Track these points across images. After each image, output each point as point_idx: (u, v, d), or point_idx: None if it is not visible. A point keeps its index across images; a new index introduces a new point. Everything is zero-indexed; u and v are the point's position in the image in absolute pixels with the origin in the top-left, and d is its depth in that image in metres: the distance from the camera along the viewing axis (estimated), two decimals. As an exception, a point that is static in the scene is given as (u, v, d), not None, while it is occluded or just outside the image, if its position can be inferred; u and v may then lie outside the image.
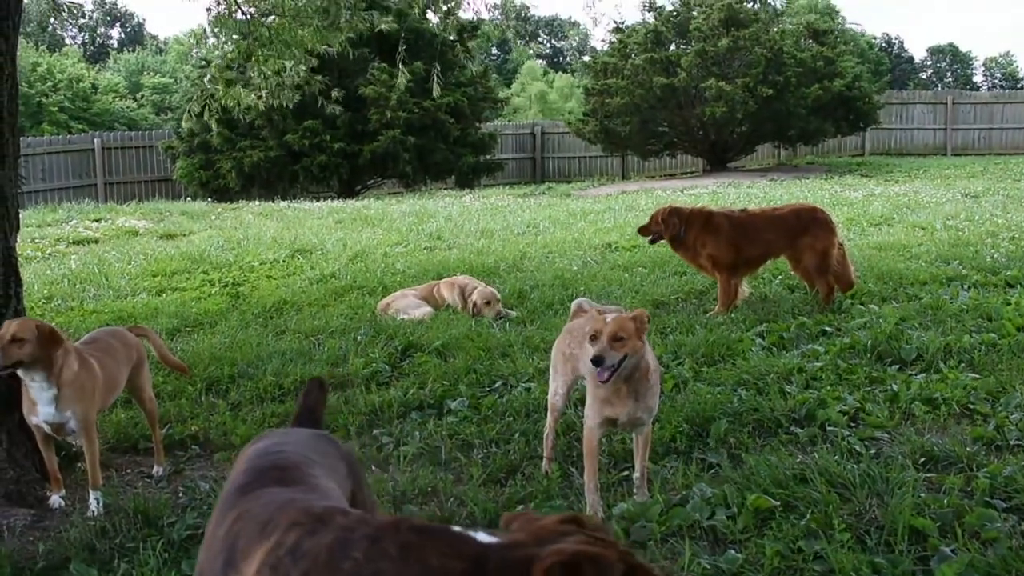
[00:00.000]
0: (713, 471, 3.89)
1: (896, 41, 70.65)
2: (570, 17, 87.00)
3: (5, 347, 3.63)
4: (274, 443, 2.29)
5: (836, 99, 22.36)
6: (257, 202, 17.93)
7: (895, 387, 4.72)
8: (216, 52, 10.79)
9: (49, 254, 11.36)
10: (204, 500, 3.80)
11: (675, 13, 24.38)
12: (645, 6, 24.98)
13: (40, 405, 3.78)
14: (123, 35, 77.12)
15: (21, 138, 5.21)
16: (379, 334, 6.34)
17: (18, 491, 3.93)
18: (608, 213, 13.39)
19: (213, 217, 14.79)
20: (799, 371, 5.06)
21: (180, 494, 3.99)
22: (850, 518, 3.28)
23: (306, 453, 2.23)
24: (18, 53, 4.34)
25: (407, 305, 7.15)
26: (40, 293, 8.53)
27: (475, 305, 7.07)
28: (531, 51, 72.67)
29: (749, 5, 23.73)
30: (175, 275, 9.45)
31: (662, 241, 7.21)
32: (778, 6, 26.58)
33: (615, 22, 25.09)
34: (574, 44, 79.40)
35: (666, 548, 3.24)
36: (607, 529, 1.65)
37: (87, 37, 74.43)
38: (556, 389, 4.09)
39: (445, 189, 22.61)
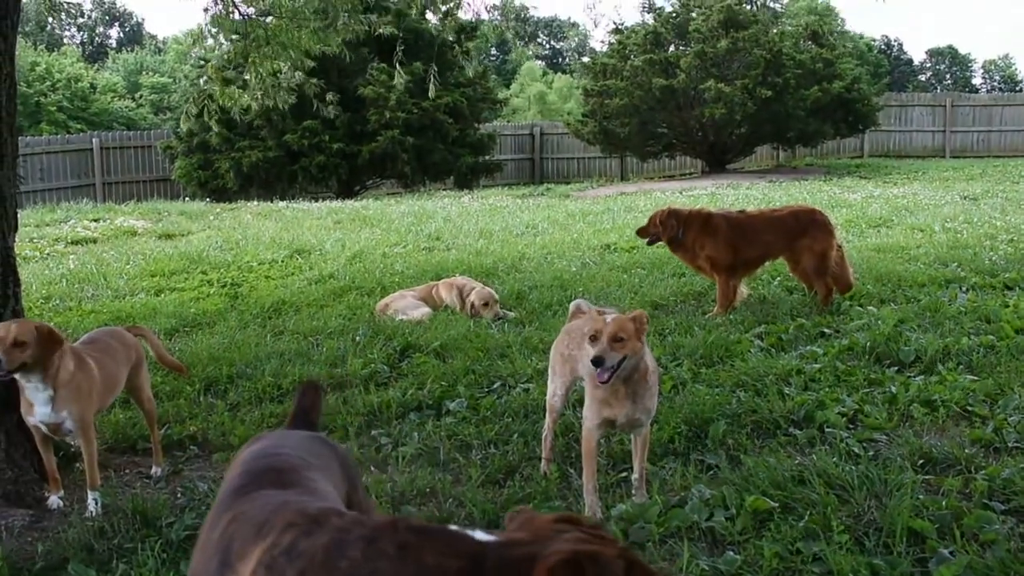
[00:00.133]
0: (712, 472, 3.89)
1: (895, 43, 70.71)
2: (569, 18, 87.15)
3: (8, 351, 3.62)
4: (270, 445, 2.29)
5: (835, 101, 22.37)
6: (256, 202, 17.93)
7: (893, 389, 4.72)
8: (215, 52, 10.78)
9: (47, 254, 11.35)
10: (202, 500, 3.80)
11: (674, 14, 24.41)
12: (644, 7, 25.03)
13: (37, 406, 3.78)
14: (122, 35, 77.11)
15: (19, 138, 5.20)
16: (378, 335, 6.34)
17: (16, 491, 3.93)
18: (607, 214, 13.40)
19: (212, 217, 14.79)
20: (798, 373, 5.06)
21: (178, 494, 3.99)
22: (849, 520, 3.29)
23: (302, 455, 2.22)
24: (17, 52, 4.33)
25: (406, 306, 7.15)
26: (38, 293, 8.53)
27: (473, 306, 7.07)
28: (530, 52, 72.67)
29: (748, 7, 23.73)
30: (173, 275, 9.45)
31: (660, 243, 7.21)
32: (778, 8, 26.55)
33: (614, 23, 25.16)
34: (573, 45, 79.46)
35: (665, 549, 3.24)
36: (604, 527, 1.65)
37: (86, 37, 74.40)
38: (555, 390, 4.09)
39: (444, 190, 22.61)
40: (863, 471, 3.58)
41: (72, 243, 12.18)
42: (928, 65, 74.12)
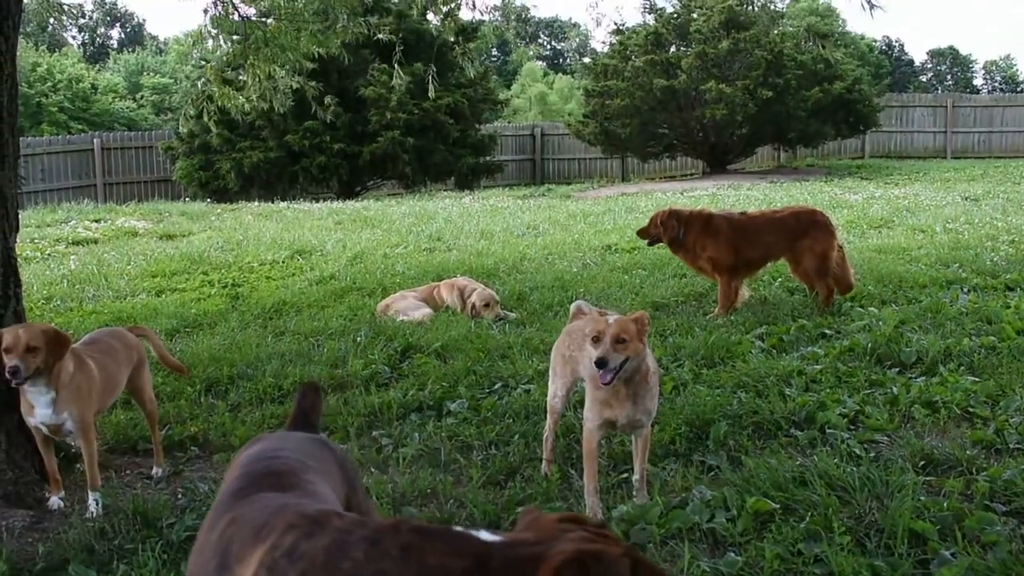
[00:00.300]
0: (713, 473, 3.88)
1: (896, 44, 70.72)
2: (570, 18, 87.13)
3: (23, 357, 3.61)
4: (269, 447, 2.29)
5: (836, 102, 22.37)
6: (257, 203, 17.93)
7: (895, 390, 4.71)
8: (216, 52, 10.80)
9: (48, 254, 11.36)
10: (203, 501, 3.79)
11: (675, 15, 24.40)
12: (646, 8, 25.01)
13: (38, 407, 3.78)
14: (123, 35, 77.16)
15: (21, 138, 5.21)
16: (379, 335, 6.34)
17: (17, 492, 3.92)
18: (608, 215, 13.39)
19: (213, 218, 14.79)
20: (799, 374, 5.05)
21: (179, 495, 3.98)
22: (850, 521, 3.28)
23: (301, 458, 2.22)
24: (18, 53, 4.34)
25: (407, 307, 7.15)
26: (39, 294, 8.53)
27: (474, 307, 7.07)
28: (531, 52, 72.70)
29: (749, 8, 23.73)
30: (174, 276, 9.45)
31: (661, 243, 7.21)
32: (780, 7, 26.53)
33: (615, 24, 25.13)
34: (574, 45, 79.46)
35: (665, 551, 3.24)
36: (607, 527, 1.65)
37: (87, 37, 74.46)
38: (555, 391, 4.08)
39: (445, 190, 22.62)
40: (864, 472, 3.58)
41: (73, 244, 12.19)
42: (929, 66, 74.11)
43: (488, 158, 23.62)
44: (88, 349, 4.10)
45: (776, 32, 23.20)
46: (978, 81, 72.98)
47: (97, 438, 4.05)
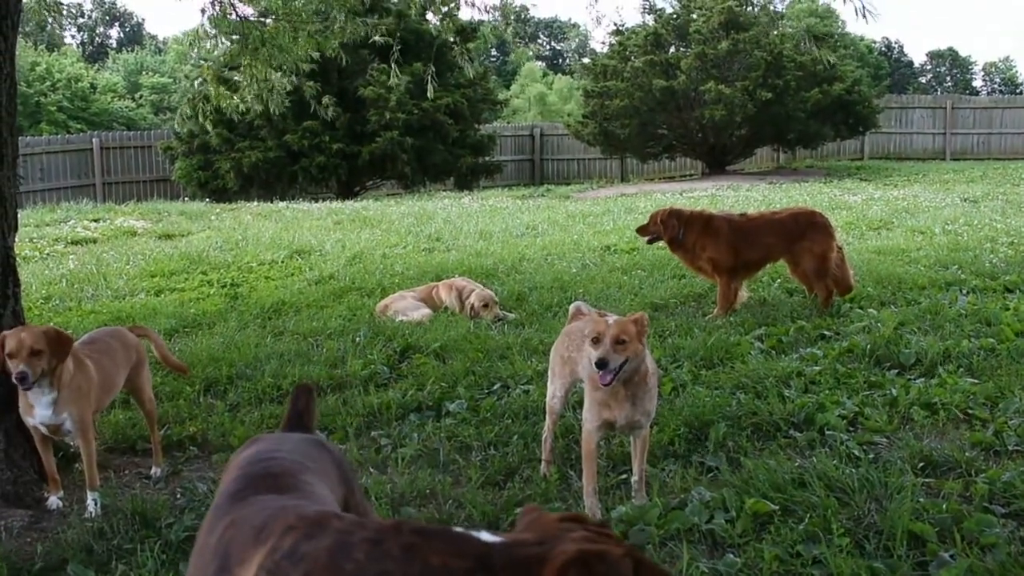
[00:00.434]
0: (712, 475, 3.88)
1: (896, 45, 70.78)
2: (570, 19, 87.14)
3: (28, 361, 3.59)
4: (266, 449, 2.28)
5: (835, 103, 22.38)
6: (256, 203, 17.92)
7: (894, 391, 4.72)
8: (214, 53, 10.78)
9: (47, 254, 11.34)
10: (202, 501, 3.79)
11: (675, 16, 24.41)
12: (645, 8, 25.02)
13: (38, 408, 3.77)
14: (122, 35, 77.14)
15: (19, 138, 5.20)
16: (378, 336, 6.34)
17: (15, 492, 3.92)
18: (607, 215, 13.40)
19: (212, 218, 14.78)
20: (798, 375, 5.05)
21: (178, 495, 3.98)
22: (849, 523, 3.28)
23: (298, 459, 2.22)
24: (17, 52, 4.33)
25: (406, 307, 7.15)
26: (38, 293, 8.52)
27: (473, 307, 7.07)
28: (530, 53, 72.73)
29: (749, 9, 23.74)
30: (173, 275, 9.45)
31: (660, 243, 7.21)
32: (779, 9, 26.54)
33: (615, 24, 25.13)
34: (573, 46, 79.49)
35: (664, 552, 3.23)
36: (609, 527, 1.65)
37: (86, 37, 74.43)
38: (554, 392, 4.08)
39: (444, 190, 22.62)
40: (863, 474, 3.58)
41: (72, 243, 12.17)
42: (928, 67, 74.20)
43: (487, 158, 23.62)
44: (85, 348, 4.10)
45: (775, 33, 23.20)
46: (977, 83, 73.12)
47: (96, 438, 4.05)
